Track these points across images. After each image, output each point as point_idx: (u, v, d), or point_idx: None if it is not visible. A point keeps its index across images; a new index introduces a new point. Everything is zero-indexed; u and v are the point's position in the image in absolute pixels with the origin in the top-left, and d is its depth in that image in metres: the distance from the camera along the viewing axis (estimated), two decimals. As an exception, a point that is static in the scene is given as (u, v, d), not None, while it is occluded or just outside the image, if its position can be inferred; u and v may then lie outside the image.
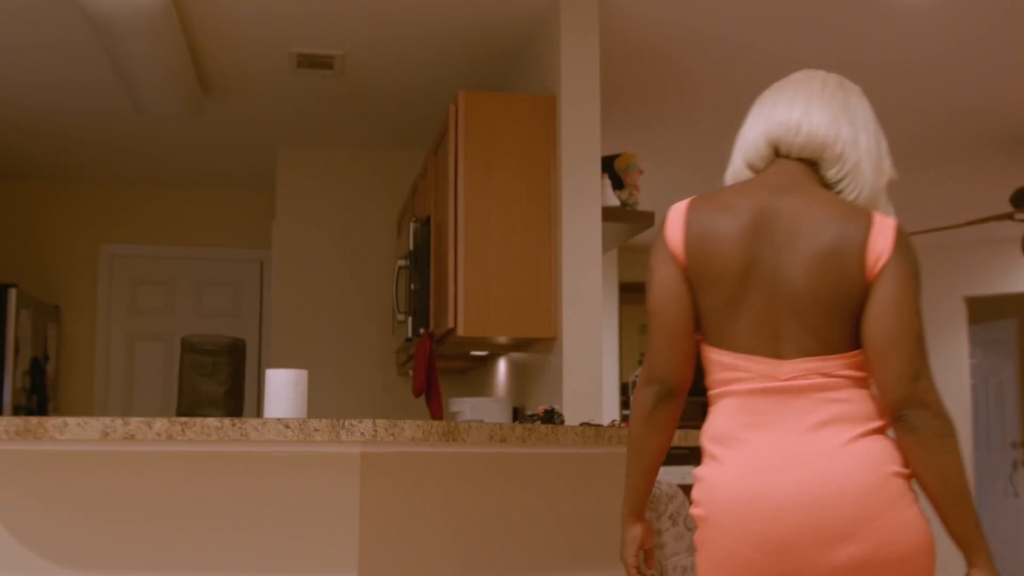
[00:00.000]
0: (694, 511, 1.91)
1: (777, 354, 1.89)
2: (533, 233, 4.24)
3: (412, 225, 4.87)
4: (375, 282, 6.52)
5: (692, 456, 8.52)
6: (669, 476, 8.70)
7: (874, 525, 1.78)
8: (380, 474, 2.62)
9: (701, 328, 1.98)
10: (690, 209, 1.97)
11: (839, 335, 1.88)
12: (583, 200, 4.24)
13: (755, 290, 1.90)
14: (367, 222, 6.52)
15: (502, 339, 4.44)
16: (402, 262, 5.04)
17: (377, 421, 2.41)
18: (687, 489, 4.72)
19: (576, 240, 4.21)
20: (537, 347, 4.48)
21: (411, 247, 4.86)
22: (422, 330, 4.73)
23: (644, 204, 7.61)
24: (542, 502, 2.95)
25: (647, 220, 4.46)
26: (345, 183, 6.53)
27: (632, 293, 9.23)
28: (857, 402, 1.87)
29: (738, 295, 1.91)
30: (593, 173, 4.28)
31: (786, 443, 1.85)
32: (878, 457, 1.82)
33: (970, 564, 1.85)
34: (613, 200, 4.49)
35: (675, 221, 1.98)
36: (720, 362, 1.95)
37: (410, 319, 4.85)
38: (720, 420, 1.93)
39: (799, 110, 1.98)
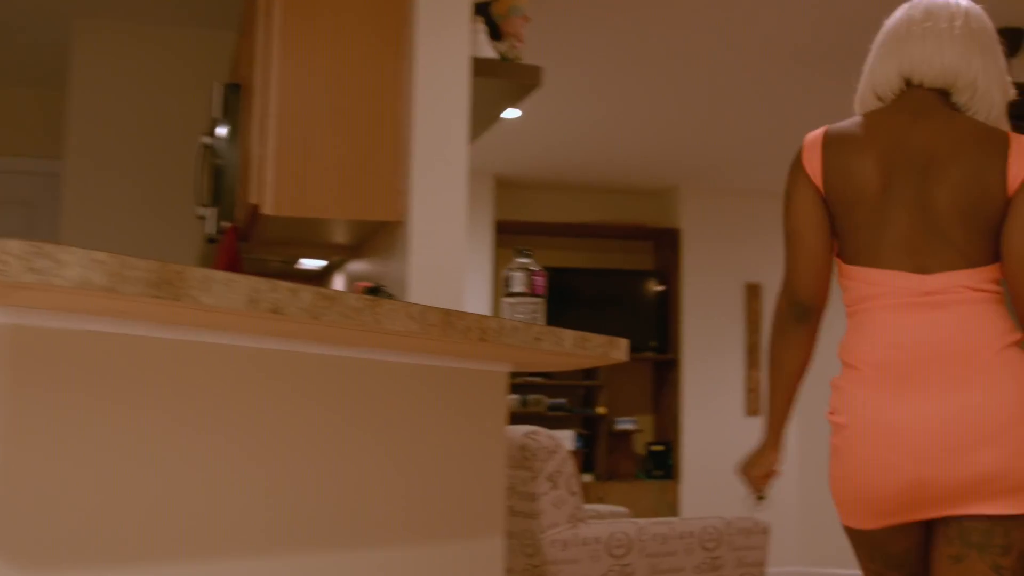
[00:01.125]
0: (833, 418, 2.01)
1: (921, 269, 1.97)
2: (375, 90, 3.04)
3: (218, 88, 3.61)
4: (190, 190, 5.21)
5: (535, 420, 7.45)
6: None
7: (1013, 432, 1.88)
8: None
9: (841, 248, 2.07)
10: (827, 135, 2.05)
11: (980, 249, 1.98)
12: (446, 48, 3.07)
13: (897, 209, 1.98)
14: (176, 118, 5.19)
15: (337, 237, 3.25)
16: (206, 139, 3.78)
17: None
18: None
19: (436, 98, 3.03)
20: (382, 246, 3.28)
21: (217, 117, 3.61)
22: (226, 225, 3.49)
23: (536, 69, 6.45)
24: (349, 447, 1.81)
25: (532, 76, 3.31)
26: (148, 70, 5.18)
27: (511, 235, 8.10)
28: (993, 312, 1.97)
29: (879, 215, 1.99)
30: (460, 14, 3.12)
31: (925, 357, 1.93)
32: (1018, 369, 1.92)
33: None
34: (489, 51, 3.32)
35: (812, 147, 2.06)
36: (863, 278, 2.01)
37: (215, 213, 3.60)
38: (865, 335, 2.00)
39: (932, 45, 2.03)
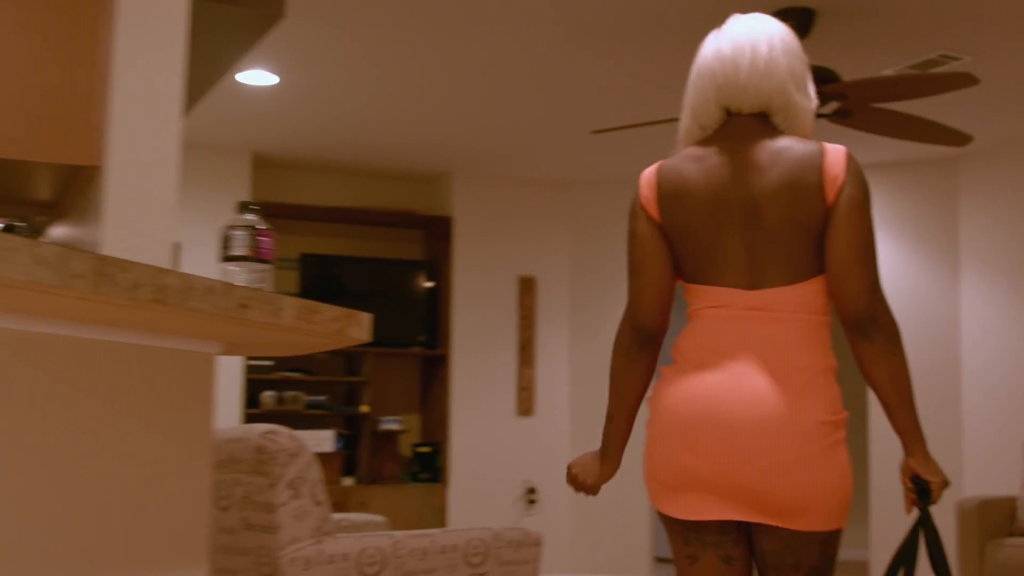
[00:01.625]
0: (651, 402, 2.18)
1: (753, 284, 2.10)
2: (70, 7, 2.41)
3: None
4: None
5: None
6: (311, 441, 7.18)
7: (803, 454, 2.01)
8: None
9: (682, 270, 2.19)
10: (660, 171, 2.19)
11: (807, 261, 2.09)
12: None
13: (728, 233, 2.11)
14: None
15: (31, 190, 2.60)
16: None
17: None
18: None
19: (144, 17, 2.42)
20: (82, 201, 2.64)
21: None
22: None
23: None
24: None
25: (272, 3, 2.75)
26: None
27: (269, 219, 7.45)
28: (811, 328, 2.09)
29: (713, 239, 2.12)
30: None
31: (748, 359, 2.07)
32: (823, 393, 2.06)
33: (908, 453, 2.12)
34: (219, -25, 2.74)
35: (648, 184, 2.20)
36: (702, 293, 2.15)
37: None
38: (695, 338, 2.14)
39: (744, 78, 2.14)
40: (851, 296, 2.05)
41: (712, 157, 2.14)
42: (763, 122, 2.16)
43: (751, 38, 2.16)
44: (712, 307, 2.12)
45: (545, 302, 8.03)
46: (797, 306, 2.08)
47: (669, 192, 2.14)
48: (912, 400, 2.08)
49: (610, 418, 2.24)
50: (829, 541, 2.06)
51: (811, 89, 2.21)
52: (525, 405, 7.83)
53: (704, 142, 2.18)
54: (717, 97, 2.16)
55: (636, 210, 2.20)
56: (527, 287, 7.92)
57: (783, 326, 2.07)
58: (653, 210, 2.16)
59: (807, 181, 2.06)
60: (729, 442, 2.01)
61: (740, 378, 2.05)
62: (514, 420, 7.82)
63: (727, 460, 2.01)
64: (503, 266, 7.90)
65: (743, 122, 2.16)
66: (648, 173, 2.20)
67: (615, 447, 2.25)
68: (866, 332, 2.05)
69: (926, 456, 2.10)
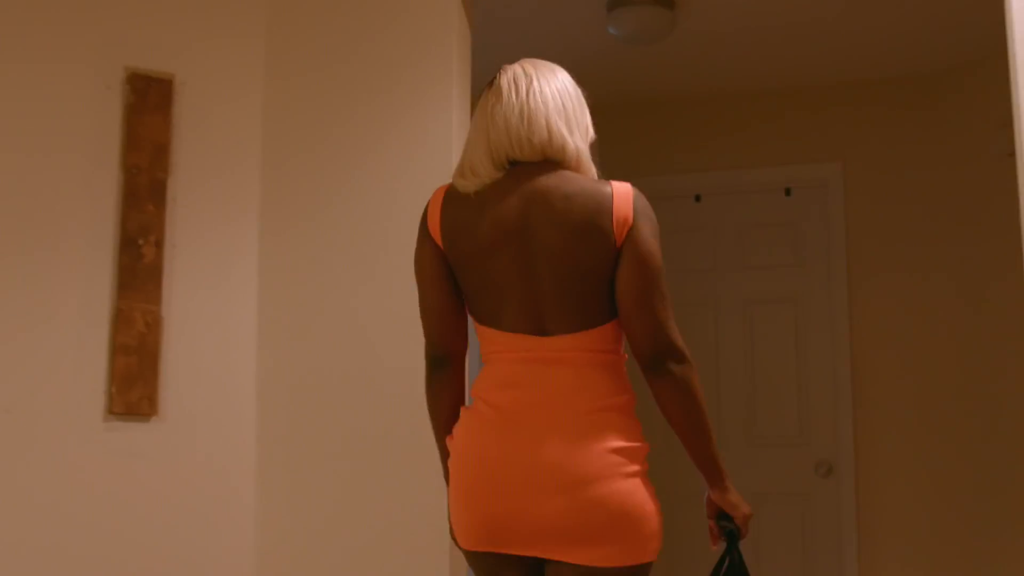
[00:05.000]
0: (449, 442, 2.17)
1: (541, 331, 2.09)
2: None
3: None
4: None
5: None
6: None
7: (589, 488, 2.00)
8: None
9: (470, 306, 2.17)
10: (447, 192, 2.15)
11: (597, 305, 2.08)
12: None
13: (513, 274, 2.08)
14: None
15: None
16: None
17: None
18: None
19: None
20: None
21: None
22: None
23: None
24: None
25: None
26: None
27: None
28: (606, 374, 2.09)
29: (497, 279, 2.09)
30: None
31: (537, 402, 2.06)
32: (609, 430, 2.04)
33: (710, 486, 2.16)
34: None
35: (434, 204, 2.16)
36: (489, 337, 2.14)
37: None
38: (486, 382, 2.13)
39: (516, 129, 2.11)
40: (642, 336, 2.06)
41: (494, 191, 2.11)
42: (549, 165, 2.13)
43: (523, 82, 2.15)
44: (501, 352, 2.12)
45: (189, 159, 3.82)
46: (588, 349, 2.08)
47: (453, 218, 2.13)
48: (709, 434, 2.11)
49: (443, 452, 2.24)
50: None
51: (588, 123, 2.20)
52: (129, 397, 3.99)
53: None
54: (491, 150, 2.13)
55: (422, 228, 2.18)
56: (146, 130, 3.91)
57: (572, 370, 2.07)
58: (436, 232, 2.14)
59: (597, 226, 2.05)
60: (520, 483, 2.02)
61: (530, 422, 2.05)
62: (99, 429, 3.83)
63: (516, 501, 2.02)
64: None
65: (529, 168, 2.12)
66: (437, 192, 2.19)
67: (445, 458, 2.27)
68: (657, 369, 2.07)
69: (727, 489, 2.17)
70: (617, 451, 2.02)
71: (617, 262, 2.05)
